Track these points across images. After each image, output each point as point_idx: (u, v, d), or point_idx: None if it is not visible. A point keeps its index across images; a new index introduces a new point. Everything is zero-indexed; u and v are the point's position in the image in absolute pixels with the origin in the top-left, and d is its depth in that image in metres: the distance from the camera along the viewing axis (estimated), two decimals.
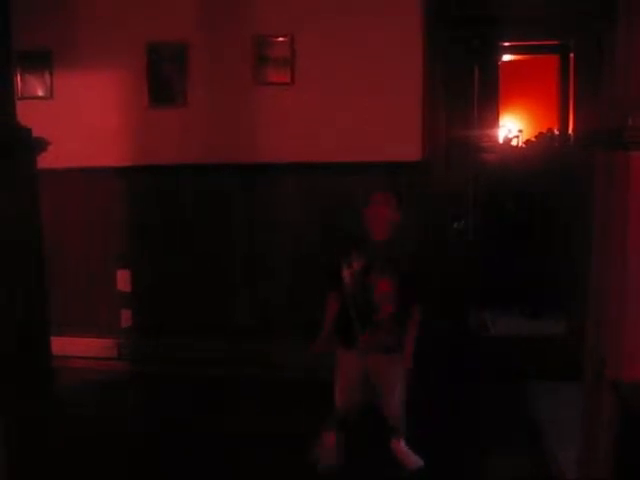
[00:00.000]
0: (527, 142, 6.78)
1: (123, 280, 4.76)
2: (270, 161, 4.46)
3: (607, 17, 2.49)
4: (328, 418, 3.28)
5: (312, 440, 3.28)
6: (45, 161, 4.39)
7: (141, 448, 3.53)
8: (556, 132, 5.80)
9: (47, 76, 4.71)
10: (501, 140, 6.83)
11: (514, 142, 7.20)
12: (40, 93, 4.72)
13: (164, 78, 4.57)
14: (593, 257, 2.52)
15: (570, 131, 4.72)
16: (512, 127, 7.41)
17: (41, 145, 2.83)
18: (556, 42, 4.83)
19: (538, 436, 3.55)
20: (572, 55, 4.55)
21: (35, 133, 2.75)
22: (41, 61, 4.70)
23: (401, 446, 3.25)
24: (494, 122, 5.74)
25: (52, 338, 3.91)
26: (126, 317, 4.79)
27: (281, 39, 4.42)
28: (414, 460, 3.22)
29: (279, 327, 4.55)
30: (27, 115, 2.81)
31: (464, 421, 3.82)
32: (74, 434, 3.53)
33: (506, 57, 5.89)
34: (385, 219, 3.08)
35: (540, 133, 6.42)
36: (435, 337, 4.43)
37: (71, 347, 4.64)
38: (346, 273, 3.06)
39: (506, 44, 5.07)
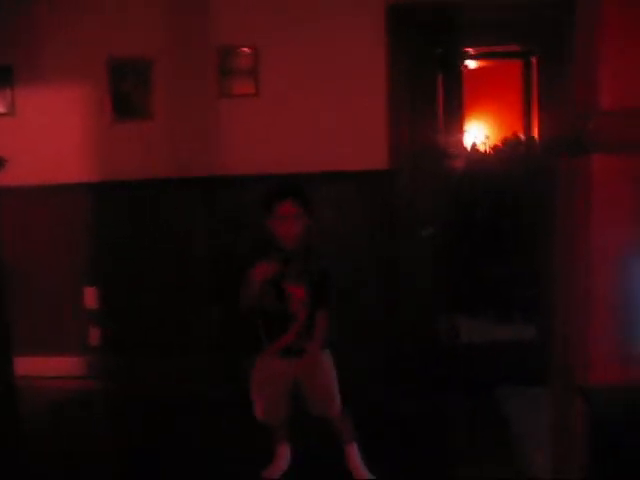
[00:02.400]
0: (494, 147, 6.82)
1: (90, 297, 4.70)
2: (236, 173, 4.44)
3: (569, 22, 2.50)
4: (270, 433, 3.29)
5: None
6: (6, 179, 4.34)
7: (101, 469, 3.48)
8: (522, 137, 5.84)
9: (8, 92, 4.64)
10: (468, 146, 6.86)
11: (481, 148, 7.24)
12: (1, 110, 4.65)
13: (128, 92, 4.54)
14: (557, 262, 2.52)
15: (535, 135, 4.75)
16: (478, 133, 7.45)
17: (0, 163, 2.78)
18: (518, 48, 4.87)
19: (510, 441, 3.54)
20: (534, 60, 4.59)
21: None
22: (2, 77, 4.64)
23: (353, 455, 3.22)
24: (460, 128, 5.78)
25: (19, 358, 3.86)
26: (94, 335, 4.72)
27: (245, 50, 4.41)
28: (364, 475, 3.19)
29: (251, 344, 4.50)
30: None
31: (433, 429, 3.81)
32: (34, 454, 3.51)
33: (470, 63, 5.92)
34: (297, 232, 2.99)
35: (506, 138, 6.47)
36: (405, 345, 4.45)
37: (38, 366, 4.57)
38: (258, 279, 2.96)
39: (469, 50, 5.10)
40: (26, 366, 4.34)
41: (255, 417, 3.19)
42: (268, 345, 3.09)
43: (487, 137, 7.40)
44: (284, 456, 3.32)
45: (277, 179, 3.84)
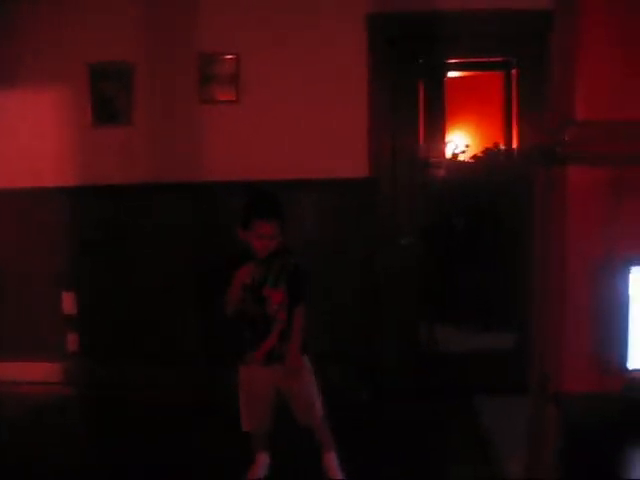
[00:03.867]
0: (474, 157, 6.84)
1: (68, 302, 4.66)
2: (216, 180, 4.43)
3: (548, 34, 2.53)
4: (251, 441, 3.29)
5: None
6: None
7: (75, 475, 3.44)
8: (502, 147, 5.87)
9: None
10: (448, 155, 6.88)
11: (461, 157, 7.26)
12: None
13: (108, 97, 4.52)
14: (535, 271, 2.54)
15: (514, 146, 4.78)
16: (459, 142, 7.47)
17: None
18: (500, 59, 4.90)
19: (487, 450, 3.56)
20: (514, 72, 4.63)
21: None
22: None
23: (330, 462, 3.23)
24: (441, 138, 5.79)
25: None
26: (72, 341, 4.69)
27: (227, 57, 4.41)
28: (336, 475, 3.20)
29: (228, 351, 4.49)
30: None
31: (411, 436, 3.82)
32: (10, 459, 3.50)
33: (452, 73, 5.95)
34: (270, 244, 2.99)
35: (486, 148, 6.49)
36: (384, 353, 4.46)
37: (16, 372, 4.55)
38: (236, 281, 3.01)
39: (452, 61, 5.12)
40: (3, 371, 4.32)
41: (240, 426, 3.19)
42: (251, 352, 3.10)
43: (467, 147, 7.43)
44: (262, 464, 3.32)
45: (255, 188, 3.83)
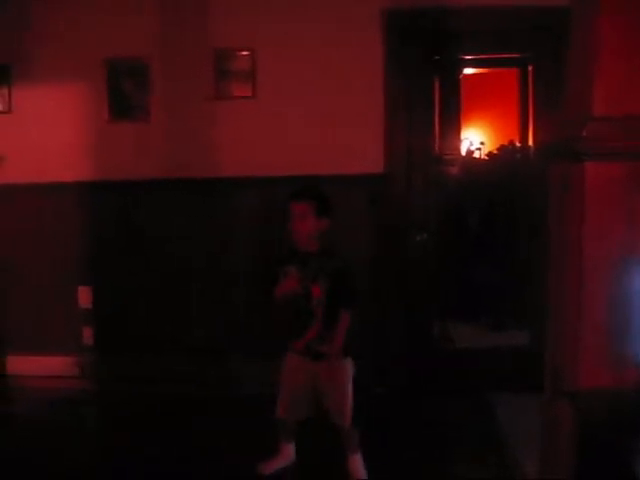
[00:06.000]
0: (489, 154, 6.84)
1: (84, 297, 4.69)
2: (231, 175, 4.45)
3: (565, 30, 2.52)
4: (279, 430, 3.33)
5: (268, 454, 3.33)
6: (2, 176, 4.35)
7: (91, 468, 3.47)
8: (517, 144, 5.86)
9: (5, 90, 4.65)
10: (463, 152, 6.88)
11: (476, 154, 7.26)
12: None
13: (124, 93, 4.54)
14: (550, 268, 2.54)
15: (530, 143, 4.77)
16: (474, 139, 7.47)
17: None
18: (516, 55, 4.88)
19: (502, 447, 3.55)
20: (531, 68, 4.61)
21: None
22: (0, 75, 4.64)
23: (354, 463, 3.25)
24: (456, 135, 5.79)
25: (12, 357, 3.87)
26: (87, 334, 4.72)
27: (243, 52, 4.42)
28: (361, 475, 3.22)
29: (241, 343, 4.51)
30: None
31: (425, 435, 3.81)
32: (26, 453, 3.52)
33: (467, 70, 5.94)
34: (305, 231, 3.11)
35: (502, 145, 6.48)
36: (398, 351, 4.46)
37: (32, 366, 4.58)
38: (285, 285, 3.14)
39: (467, 57, 5.11)
40: (20, 365, 4.36)
41: (265, 414, 3.26)
42: (292, 343, 3.19)
43: (482, 144, 7.42)
44: (287, 454, 3.36)
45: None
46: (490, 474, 3.30)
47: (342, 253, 3.25)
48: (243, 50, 4.42)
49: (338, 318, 3.11)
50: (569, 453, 2.19)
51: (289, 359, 3.24)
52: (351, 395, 3.19)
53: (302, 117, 4.41)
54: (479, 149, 7.40)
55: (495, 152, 6.62)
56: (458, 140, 6.04)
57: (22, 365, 4.56)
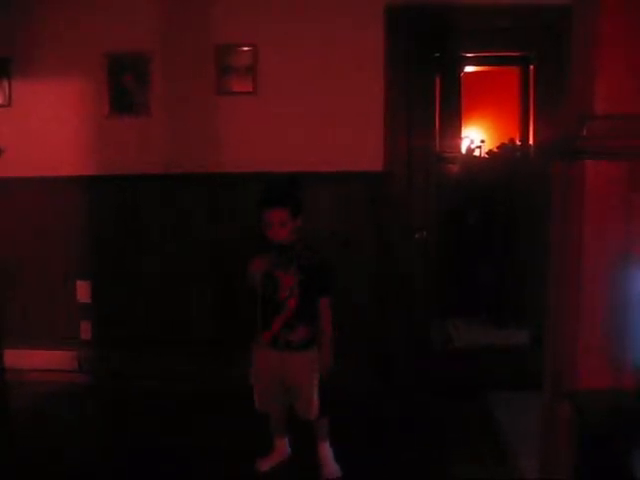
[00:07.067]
0: (489, 152, 6.82)
1: (83, 291, 4.69)
2: (232, 171, 4.44)
3: (566, 29, 2.52)
4: (269, 425, 3.34)
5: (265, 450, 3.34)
6: (2, 170, 4.34)
7: (89, 463, 3.46)
8: (518, 142, 5.85)
9: (5, 84, 4.64)
10: (464, 150, 6.87)
11: (476, 152, 7.24)
12: None
13: (125, 88, 4.54)
14: (550, 267, 2.53)
15: (531, 141, 4.76)
16: (475, 137, 7.45)
17: None
18: (517, 53, 4.88)
19: (501, 447, 3.55)
20: (532, 66, 4.60)
21: None
22: (0, 69, 4.63)
23: (323, 451, 3.26)
24: (456, 133, 5.79)
25: (10, 350, 3.87)
26: (86, 329, 4.71)
27: (244, 48, 4.41)
28: (333, 470, 3.23)
29: (240, 340, 4.50)
30: None
31: (426, 434, 3.80)
32: (23, 448, 3.52)
33: (468, 68, 5.93)
34: (284, 235, 3.11)
35: (502, 144, 6.46)
36: (398, 349, 4.46)
37: (30, 359, 4.58)
38: (255, 272, 3.15)
39: (468, 55, 5.11)
40: (18, 359, 4.35)
41: (254, 407, 3.25)
42: (261, 333, 3.18)
43: (483, 142, 7.40)
44: (281, 449, 3.37)
45: (271, 178, 3.86)
46: (490, 474, 3.29)
47: (320, 249, 3.27)
48: (244, 46, 4.41)
49: (312, 310, 3.13)
50: (568, 454, 2.19)
51: (255, 350, 3.24)
52: (315, 387, 3.17)
53: (303, 113, 4.40)
54: (479, 147, 7.38)
55: (495, 150, 6.60)
56: (458, 138, 6.04)
57: (20, 359, 4.55)
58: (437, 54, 4.57)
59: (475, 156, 7.17)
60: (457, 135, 5.83)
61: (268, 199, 3.12)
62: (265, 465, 3.29)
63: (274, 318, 3.13)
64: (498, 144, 6.61)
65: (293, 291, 3.10)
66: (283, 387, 3.21)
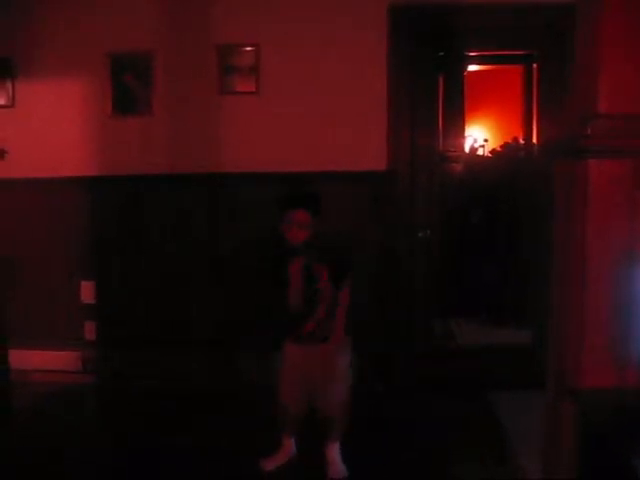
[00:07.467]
0: (493, 151, 6.82)
1: (87, 292, 4.69)
2: (235, 171, 4.43)
3: (569, 28, 2.52)
4: (280, 422, 3.34)
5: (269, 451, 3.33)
6: (4, 170, 4.35)
7: (94, 463, 3.46)
8: (521, 141, 5.85)
9: (9, 84, 4.64)
10: (467, 150, 6.87)
11: (480, 152, 7.25)
12: (1, 101, 4.65)
13: (128, 88, 4.53)
14: (553, 266, 2.53)
15: (534, 140, 4.76)
16: (478, 136, 7.45)
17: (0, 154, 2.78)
18: (520, 52, 4.87)
19: (503, 446, 3.54)
20: (535, 65, 4.60)
21: None
22: (3, 69, 4.63)
23: (332, 452, 3.26)
24: (460, 132, 5.79)
25: (14, 351, 3.88)
26: (90, 329, 4.72)
27: (247, 48, 4.41)
28: (340, 470, 3.23)
29: (244, 340, 4.51)
30: None
31: (427, 432, 3.79)
32: (28, 448, 3.52)
33: (471, 67, 5.93)
34: (304, 236, 3.17)
35: (506, 143, 6.46)
36: (400, 347, 4.46)
37: (34, 360, 4.58)
38: (292, 269, 3.18)
39: (472, 54, 5.11)
40: (21, 359, 4.35)
41: (260, 410, 3.34)
42: (297, 329, 3.22)
43: (486, 141, 7.40)
44: (288, 449, 3.37)
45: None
46: (490, 474, 3.28)
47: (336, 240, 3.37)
48: (247, 45, 4.41)
49: (339, 294, 3.20)
50: (572, 453, 2.19)
51: (290, 350, 3.26)
52: (347, 376, 3.24)
53: (306, 113, 4.39)
54: (483, 146, 7.38)
55: (499, 149, 6.61)
56: (462, 137, 6.03)
57: (24, 360, 4.55)
58: (441, 53, 4.56)
59: (478, 155, 7.18)
60: (460, 134, 5.83)
61: (291, 199, 3.21)
62: (270, 465, 3.29)
63: (310, 314, 3.17)
64: (501, 143, 6.62)
65: (328, 283, 3.17)
66: (311, 384, 3.23)
